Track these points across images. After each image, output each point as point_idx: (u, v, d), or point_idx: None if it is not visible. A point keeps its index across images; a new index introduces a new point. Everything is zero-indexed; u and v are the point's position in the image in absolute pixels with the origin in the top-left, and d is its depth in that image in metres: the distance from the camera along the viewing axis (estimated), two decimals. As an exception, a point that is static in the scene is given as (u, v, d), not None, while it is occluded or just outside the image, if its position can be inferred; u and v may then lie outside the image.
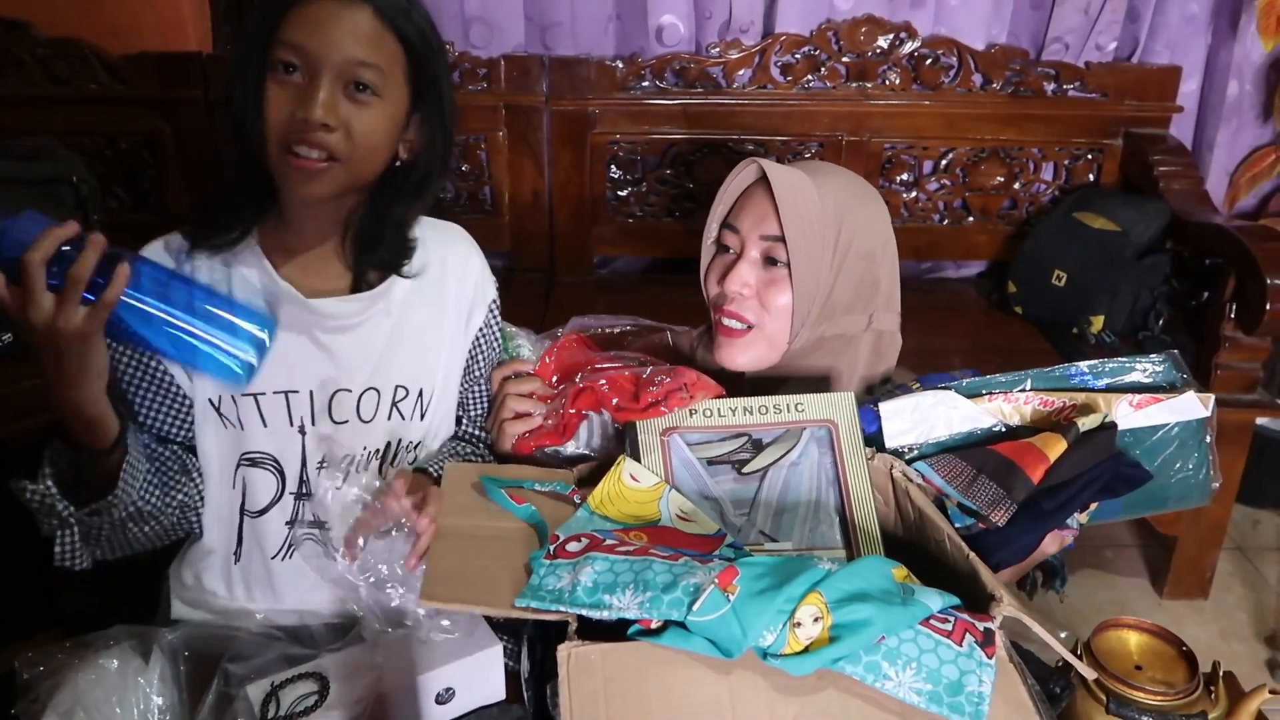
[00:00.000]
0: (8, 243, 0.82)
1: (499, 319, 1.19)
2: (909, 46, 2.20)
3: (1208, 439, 1.05)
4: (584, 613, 0.78)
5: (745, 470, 1.01)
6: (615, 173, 2.29)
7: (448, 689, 0.95)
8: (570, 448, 1.10)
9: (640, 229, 2.34)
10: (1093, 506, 1.02)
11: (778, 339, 1.12)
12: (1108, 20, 2.22)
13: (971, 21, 2.23)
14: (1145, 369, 1.04)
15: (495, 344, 1.18)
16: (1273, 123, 2.35)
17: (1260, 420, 2.05)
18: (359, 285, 1.05)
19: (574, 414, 1.08)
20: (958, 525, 0.95)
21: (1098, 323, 2.02)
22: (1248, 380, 1.91)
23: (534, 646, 0.95)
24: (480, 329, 1.15)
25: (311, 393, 1.04)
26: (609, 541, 0.86)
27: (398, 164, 1.01)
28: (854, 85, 2.23)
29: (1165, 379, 1.05)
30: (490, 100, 2.21)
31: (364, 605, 0.94)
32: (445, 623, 0.93)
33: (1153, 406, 1.01)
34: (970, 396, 1.02)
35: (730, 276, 1.10)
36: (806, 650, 0.75)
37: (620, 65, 2.19)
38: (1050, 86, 2.24)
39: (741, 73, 2.22)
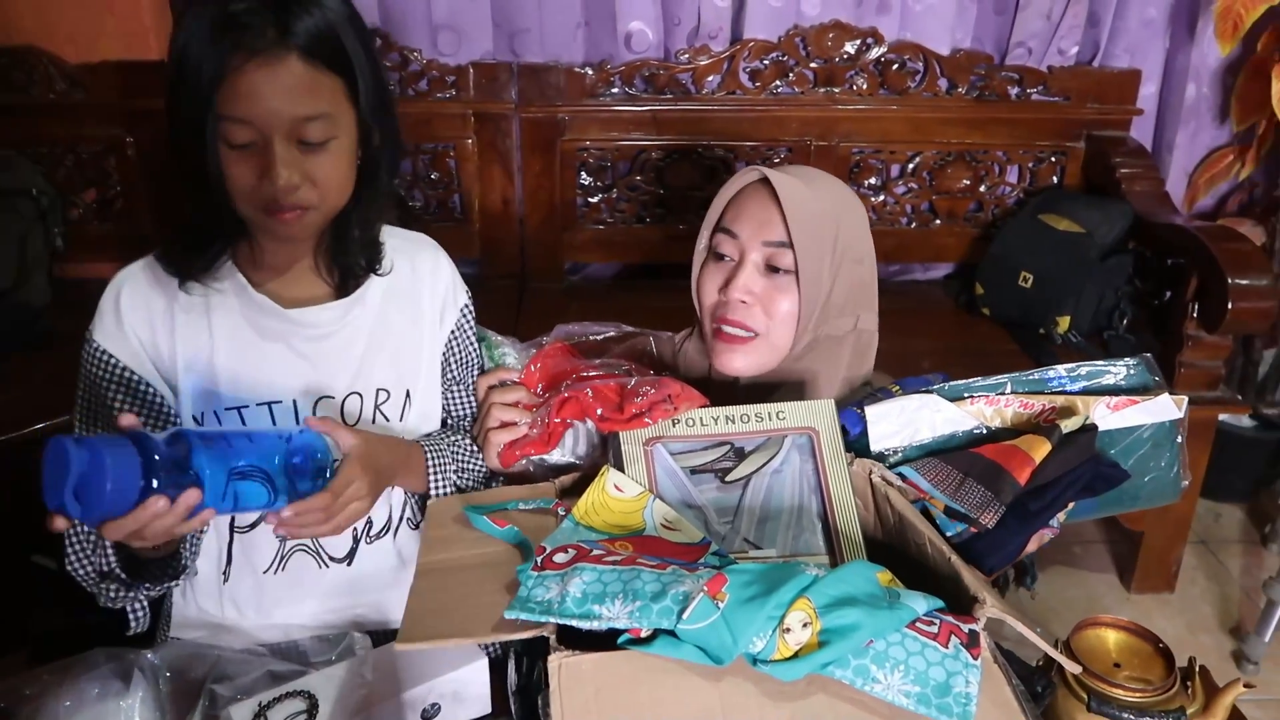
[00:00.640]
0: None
1: (474, 324, 1.19)
2: (876, 52, 2.22)
3: (1179, 439, 1.07)
4: (574, 623, 0.77)
5: (728, 478, 1.02)
6: (585, 179, 2.30)
7: (433, 704, 0.94)
8: (555, 456, 1.10)
9: (611, 235, 2.34)
10: (1071, 505, 1.04)
11: (780, 345, 1.12)
12: (1069, 25, 2.26)
13: (936, 27, 2.26)
14: (1120, 372, 1.06)
15: (471, 349, 1.18)
16: (1229, 124, 2.40)
17: (1221, 416, 2.09)
18: (339, 292, 1.06)
19: (559, 423, 1.07)
20: (949, 533, 0.96)
21: (1064, 323, 2.06)
22: (1210, 378, 1.95)
23: (520, 659, 0.94)
24: (453, 331, 1.15)
25: (295, 402, 1.04)
26: (596, 552, 0.85)
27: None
28: (822, 90, 2.25)
29: (1139, 381, 1.07)
30: (459, 108, 2.21)
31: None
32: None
33: (1129, 409, 1.03)
34: (953, 400, 1.03)
35: (732, 284, 1.09)
36: (796, 655, 0.75)
37: (589, 72, 2.19)
38: (1014, 90, 2.28)
39: (710, 79, 2.23)
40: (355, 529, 1.10)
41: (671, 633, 0.76)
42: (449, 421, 1.19)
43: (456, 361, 1.17)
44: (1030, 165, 2.35)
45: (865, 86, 2.25)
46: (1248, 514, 2.46)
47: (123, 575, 0.96)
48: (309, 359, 1.05)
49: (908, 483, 0.98)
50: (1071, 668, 0.83)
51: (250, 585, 1.08)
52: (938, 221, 2.39)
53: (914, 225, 2.40)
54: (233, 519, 1.06)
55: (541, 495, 1.02)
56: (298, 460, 0.89)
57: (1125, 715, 0.91)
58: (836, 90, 2.25)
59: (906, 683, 0.74)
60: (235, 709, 0.88)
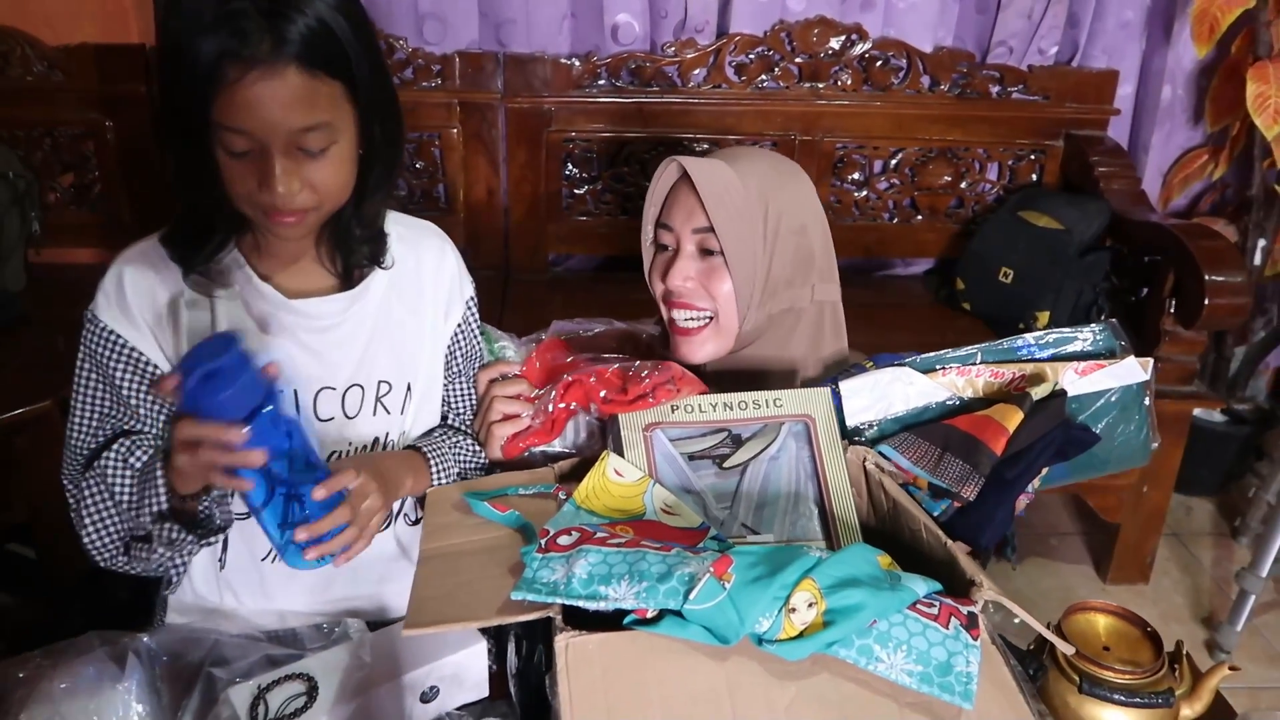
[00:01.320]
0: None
1: (477, 317, 1.18)
2: (860, 48, 2.24)
3: (1146, 401, 1.09)
4: (581, 604, 0.78)
5: (726, 465, 1.02)
6: (570, 170, 2.29)
7: (432, 687, 0.94)
8: (557, 445, 1.10)
9: (595, 227, 2.34)
10: (1045, 471, 1.05)
11: (729, 325, 1.14)
12: (1049, 25, 2.29)
13: (919, 24, 2.28)
14: (1087, 338, 1.08)
15: (475, 341, 1.18)
16: (1203, 125, 2.45)
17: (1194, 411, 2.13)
18: (343, 284, 1.05)
19: (563, 409, 1.08)
20: (934, 512, 0.98)
21: (1043, 318, 2.09)
22: (1186, 373, 1.98)
23: (520, 643, 0.94)
24: (459, 324, 1.15)
25: (295, 392, 1.03)
26: (600, 534, 0.86)
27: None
28: (807, 85, 2.27)
29: (1105, 346, 1.09)
30: (444, 97, 2.19)
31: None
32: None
33: (1097, 373, 1.05)
34: (925, 372, 1.05)
35: (671, 273, 1.13)
36: (801, 635, 0.76)
37: (576, 63, 2.19)
38: (995, 89, 2.31)
39: (696, 72, 2.23)
40: None
41: (677, 613, 0.76)
42: (449, 416, 1.18)
43: (461, 355, 1.16)
44: (1010, 163, 2.37)
45: (849, 82, 2.27)
46: (1218, 507, 2.51)
47: (169, 518, 0.95)
48: (312, 350, 1.04)
49: (890, 464, 1.00)
50: (1065, 648, 0.85)
51: (248, 572, 1.07)
52: (919, 217, 2.41)
53: (896, 220, 2.42)
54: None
55: (541, 481, 1.02)
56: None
57: (1116, 697, 0.93)
58: (821, 85, 2.27)
59: (909, 662, 0.75)
60: (234, 692, 0.87)
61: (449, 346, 1.14)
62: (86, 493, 1.00)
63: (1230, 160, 2.43)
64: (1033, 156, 2.37)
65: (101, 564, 1.02)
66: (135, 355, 1.00)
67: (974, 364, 1.06)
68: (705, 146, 2.27)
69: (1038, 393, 1.01)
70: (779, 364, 1.18)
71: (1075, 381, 1.05)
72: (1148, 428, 1.10)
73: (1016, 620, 0.81)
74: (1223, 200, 2.54)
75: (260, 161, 0.88)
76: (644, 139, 2.26)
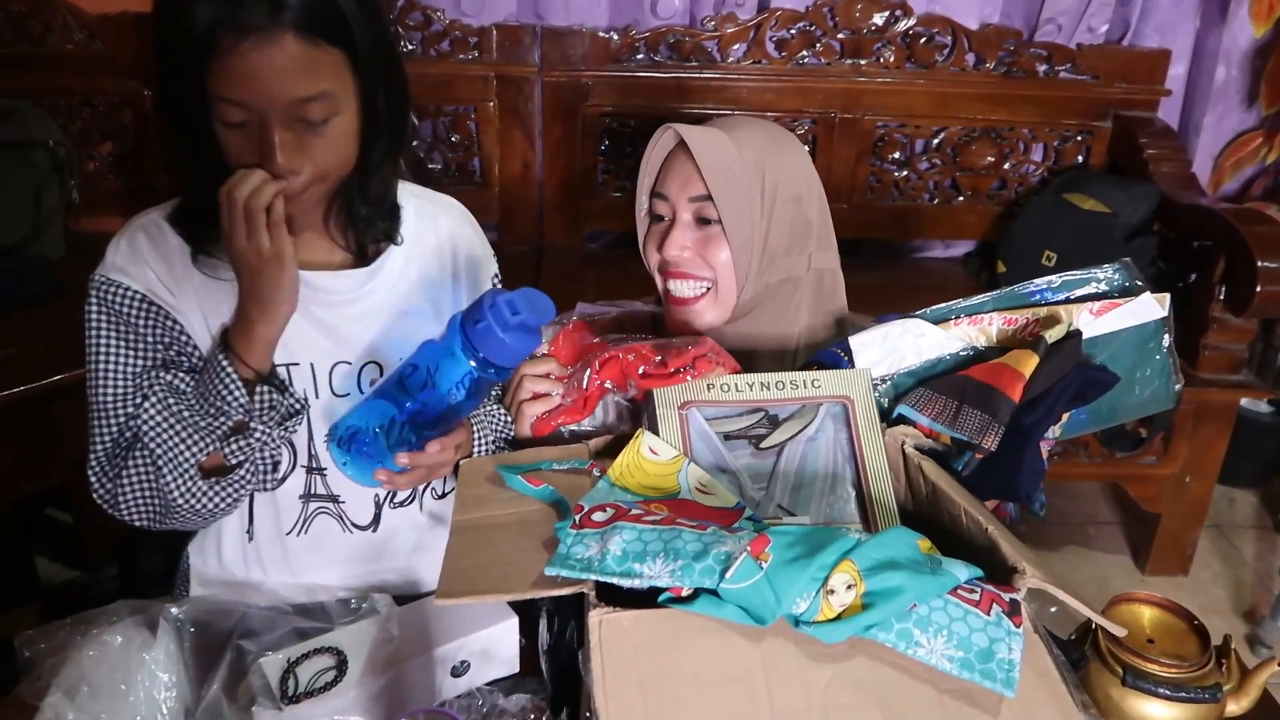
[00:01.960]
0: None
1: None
2: (904, 24, 2.19)
3: (1166, 341, 1.05)
4: (615, 581, 0.77)
5: (763, 445, 1.01)
6: (606, 146, 2.27)
7: (463, 662, 0.94)
8: (586, 425, 1.10)
9: (631, 204, 2.30)
10: (1065, 418, 1.03)
11: (726, 295, 1.13)
12: (1100, 3, 2.23)
13: (966, 1, 2.23)
14: (1101, 278, 1.05)
15: None
16: (1258, 107, 2.38)
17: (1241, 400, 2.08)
18: (358, 260, 1.03)
19: (596, 387, 1.06)
20: (959, 466, 0.96)
21: (1087, 304, 2.04)
22: (1234, 361, 1.94)
23: (552, 619, 0.94)
24: None
25: (312, 365, 1.02)
26: (635, 511, 0.84)
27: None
28: (848, 62, 2.23)
29: (1120, 286, 1.05)
30: (481, 70, 2.18)
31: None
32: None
33: (1112, 312, 1.02)
34: (936, 323, 1.03)
35: (668, 242, 1.12)
36: (839, 617, 0.74)
37: (614, 37, 2.17)
38: (1042, 68, 2.25)
39: (736, 47, 2.20)
40: (378, 495, 1.09)
41: (713, 592, 0.75)
42: None
43: None
44: (1056, 144, 2.32)
45: (892, 59, 2.23)
46: (1261, 499, 2.46)
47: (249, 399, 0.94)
48: (326, 325, 1.02)
49: (909, 424, 0.98)
50: (1116, 630, 0.82)
51: (274, 546, 1.07)
52: (960, 198, 2.37)
53: (936, 201, 2.37)
54: None
55: (575, 456, 1.01)
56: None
57: (1161, 690, 0.90)
58: (863, 62, 2.23)
59: (950, 647, 0.73)
60: (266, 662, 0.87)
61: None
62: (131, 467, 0.97)
63: (1285, 144, 2.36)
64: (1079, 137, 2.31)
65: (149, 525, 0.99)
66: (162, 311, 0.98)
67: (985, 312, 1.03)
68: (743, 123, 2.24)
69: (1052, 335, 0.98)
70: (778, 334, 1.17)
71: (1091, 322, 1.01)
72: (1170, 368, 1.06)
73: (1053, 609, 0.79)
74: (1275, 185, 2.47)
75: (259, 134, 0.85)
76: (682, 115, 2.23)
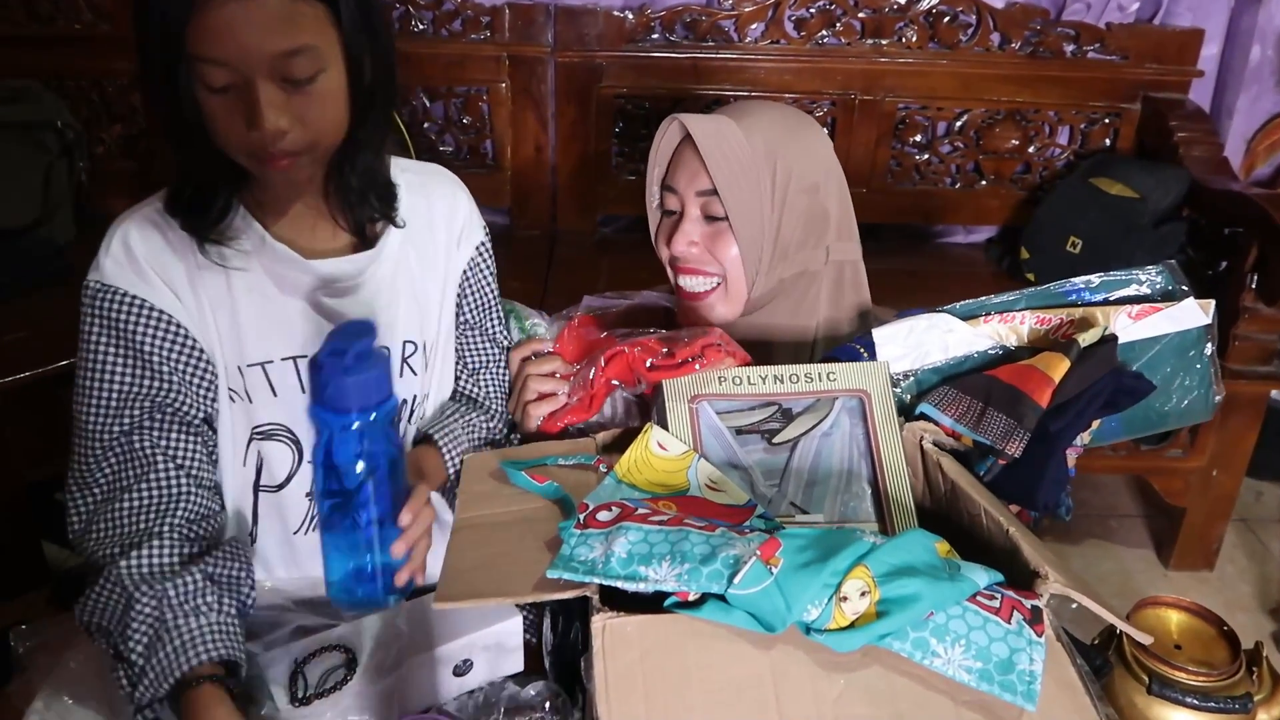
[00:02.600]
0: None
1: (492, 265, 1.12)
2: (926, 3, 2.14)
3: (1208, 350, 1.01)
4: (619, 584, 0.74)
5: (775, 440, 0.98)
6: (621, 128, 2.23)
7: (466, 660, 0.92)
8: (594, 421, 1.08)
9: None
10: (1095, 425, 1.00)
11: (737, 290, 1.11)
12: (1130, -20, 2.17)
13: (992, -22, 2.17)
14: (1143, 279, 1.01)
15: (489, 291, 1.12)
16: (1294, 90, 2.31)
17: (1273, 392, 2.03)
18: (359, 241, 1.00)
19: (604, 384, 1.04)
20: (980, 471, 0.93)
21: (1113, 291, 1.99)
22: (1265, 352, 1.89)
23: (556, 619, 0.91)
24: (465, 269, 1.09)
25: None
26: (641, 511, 0.82)
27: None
28: (869, 42, 2.18)
29: (1162, 289, 1.01)
30: (493, 50, 2.15)
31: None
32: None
33: (1152, 316, 0.98)
34: (965, 319, 1.00)
35: (675, 237, 1.10)
36: (853, 625, 0.72)
37: (629, 16, 2.13)
38: (1069, 48, 2.19)
39: (754, 26, 2.16)
40: None
41: (721, 597, 0.73)
42: (460, 375, 1.12)
43: (471, 305, 1.11)
44: (1083, 126, 2.26)
45: (914, 39, 2.17)
46: (1288, 493, 2.41)
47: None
48: (331, 313, 0.99)
49: (931, 424, 0.95)
50: (1142, 638, 0.79)
51: (279, 545, 1.04)
52: (983, 182, 2.32)
53: (958, 185, 2.32)
54: (257, 479, 1.01)
55: (582, 451, 0.98)
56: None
57: (1188, 700, 0.88)
58: (884, 42, 2.18)
59: (968, 658, 0.71)
60: (272, 668, 0.85)
61: (457, 293, 1.09)
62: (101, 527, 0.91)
63: (1322, 127, 2.30)
64: (1107, 120, 2.25)
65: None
66: (163, 317, 0.93)
67: (1018, 310, 0.99)
68: (761, 105, 2.20)
69: (1086, 339, 0.94)
70: (795, 327, 1.15)
71: (1129, 326, 0.98)
72: (1211, 378, 1.02)
73: (1074, 604, 0.76)
74: (1311, 170, 2.40)
75: (244, 96, 0.82)
76: (698, 96, 2.19)
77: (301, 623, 0.92)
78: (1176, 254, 2.00)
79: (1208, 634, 0.94)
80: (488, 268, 1.12)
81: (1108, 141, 2.27)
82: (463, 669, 0.92)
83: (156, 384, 0.93)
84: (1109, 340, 0.95)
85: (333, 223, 0.98)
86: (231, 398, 0.98)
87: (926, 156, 2.29)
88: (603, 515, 0.81)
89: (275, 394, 0.98)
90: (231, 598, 0.90)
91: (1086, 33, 2.18)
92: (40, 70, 2.08)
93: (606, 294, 1.25)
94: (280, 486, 1.01)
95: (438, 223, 1.05)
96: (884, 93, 2.21)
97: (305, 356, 0.98)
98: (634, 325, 1.13)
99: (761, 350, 1.10)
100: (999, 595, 0.75)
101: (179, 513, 0.92)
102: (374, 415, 0.80)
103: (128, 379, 0.92)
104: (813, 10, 2.15)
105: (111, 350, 0.92)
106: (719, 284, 1.11)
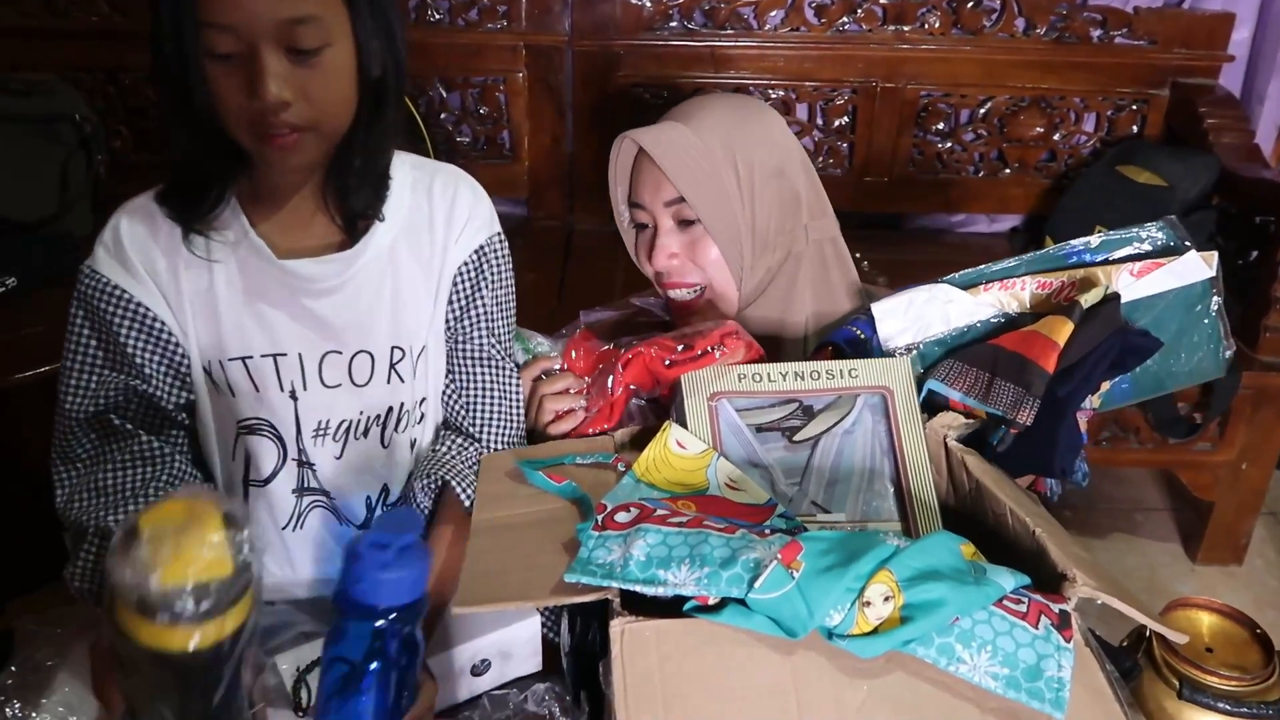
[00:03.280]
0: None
1: (505, 260, 1.06)
2: (950, -12, 2.11)
3: (1215, 304, 0.99)
4: (638, 588, 0.73)
5: (796, 438, 0.97)
6: (639, 118, 2.21)
7: (483, 660, 0.91)
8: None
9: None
10: (1105, 387, 0.99)
11: (726, 291, 1.12)
12: (1159, -37, 2.12)
13: (1016, -37, 2.13)
14: (1144, 237, 0.99)
15: (477, 297, 1.04)
16: (1327, 74, 2.26)
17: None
18: (346, 238, 0.97)
19: (624, 390, 1.03)
20: (994, 441, 0.92)
21: (1140, 281, 1.96)
22: (1295, 344, 1.85)
23: (574, 619, 0.90)
24: (456, 273, 1.02)
25: (301, 355, 0.98)
26: (660, 512, 0.81)
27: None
28: (891, 29, 2.14)
29: (1164, 246, 0.99)
30: (510, 40, 2.13)
31: None
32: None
33: (1155, 272, 0.96)
34: (965, 288, 0.99)
35: (655, 253, 1.11)
36: (876, 631, 0.70)
37: (647, 4, 2.10)
38: (1096, 33, 2.15)
39: (774, 14, 2.13)
40: (370, 497, 1.04)
41: (741, 601, 0.71)
42: (448, 392, 1.06)
43: (457, 310, 1.04)
44: (1109, 113, 2.22)
45: (937, 25, 2.14)
46: (1319, 486, 2.37)
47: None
48: (311, 314, 0.97)
49: (941, 400, 0.94)
50: (1177, 638, 0.77)
51: (272, 541, 1.03)
52: (1007, 171, 2.28)
53: (981, 174, 2.29)
54: (246, 473, 1.01)
55: (600, 450, 0.97)
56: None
57: (1220, 705, 0.86)
58: (906, 29, 2.14)
59: (994, 664, 0.70)
60: (280, 663, 0.85)
61: (448, 299, 1.03)
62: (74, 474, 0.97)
63: (1355, 112, 2.24)
64: (1134, 106, 2.21)
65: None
66: (139, 309, 0.95)
67: (1018, 276, 0.98)
68: (780, 93, 2.17)
69: (1088, 299, 0.93)
70: (785, 314, 1.14)
71: (1131, 284, 0.96)
72: (1220, 333, 1.01)
73: (1099, 601, 0.74)
74: (1343, 156, 2.35)
75: (248, 65, 0.82)
76: (717, 84, 2.16)
77: (304, 629, 0.91)
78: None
79: (1240, 637, 0.92)
80: (499, 262, 1.05)
81: (1135, 128, 2.22)
82: (480, 669, 0.91)
83: (130, 372, 0.97)
84: (1112, 299, 0.94)
85: (326, 220, 0.96)
86: (218, 391, 0.98)
87: (949, 145, 2.25)
88: (621, 516, 0.80)
89: (257, 389, 0.98)
90: None
91: (1114, 17, 2.13)
92: (57, 63, 2.07)
93: (598, 308, 1.22)
94: (267, 481, 1.01)
95: (437, 221, 1.01)
96: (906, 80, 2.17)
97: (285, 355, 0.98)
98: (635, 333, 1.12)
99: (768, 342, 1.09)
100: (1026, 599, 0.74)
101: (163, 477, 0.96)
102: (398, 614, 0.74)
103: (102, 364, 0.97)
104: (833, -4, 2.12)
105: (88, 334, 0.97)
106: (704, 290, 1.12)
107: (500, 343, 1.06)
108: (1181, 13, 2.17)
